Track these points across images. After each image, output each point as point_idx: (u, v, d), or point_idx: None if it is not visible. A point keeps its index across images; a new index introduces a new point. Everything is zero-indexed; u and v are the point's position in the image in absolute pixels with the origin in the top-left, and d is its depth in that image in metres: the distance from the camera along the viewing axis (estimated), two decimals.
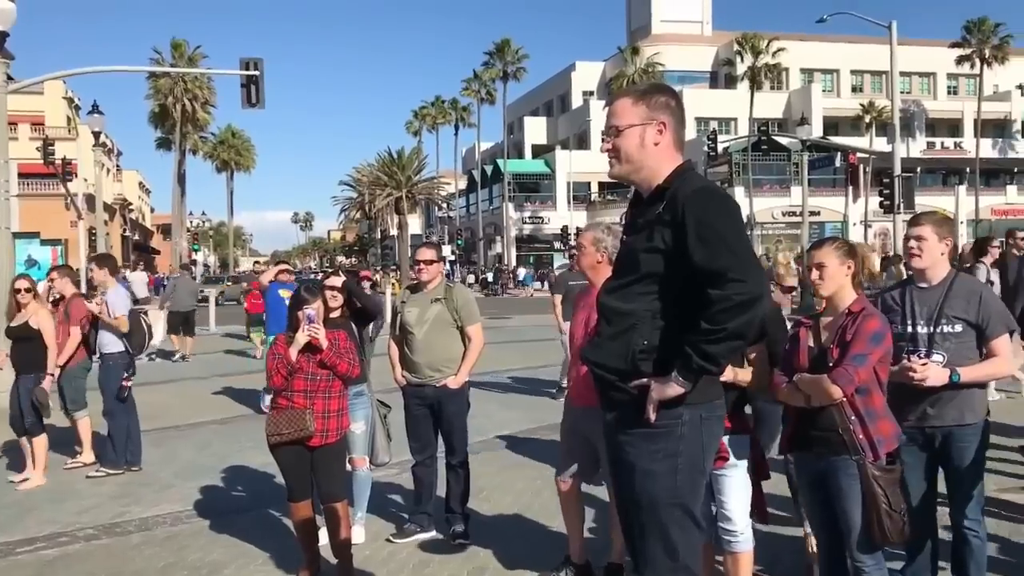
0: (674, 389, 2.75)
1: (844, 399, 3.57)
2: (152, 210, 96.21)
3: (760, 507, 4.23)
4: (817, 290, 3.79)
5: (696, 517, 2.89)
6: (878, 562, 3.65)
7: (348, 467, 5.60)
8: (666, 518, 2.84)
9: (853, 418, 3.59)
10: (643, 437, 2.84)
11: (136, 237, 69.97)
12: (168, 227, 69.55)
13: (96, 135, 30.54)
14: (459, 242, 63.53)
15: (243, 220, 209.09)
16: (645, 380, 2.80)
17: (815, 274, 3.76)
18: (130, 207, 71.66)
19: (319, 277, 7.24)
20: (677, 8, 69.27)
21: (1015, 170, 62.87)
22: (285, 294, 9.16)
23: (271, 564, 5.46)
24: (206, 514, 6.59)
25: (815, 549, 4.36)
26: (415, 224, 72.15)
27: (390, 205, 59.71)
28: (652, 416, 2.78)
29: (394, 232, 64.20)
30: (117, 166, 72.86)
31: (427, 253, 5.85)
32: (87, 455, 8.30)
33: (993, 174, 62.23)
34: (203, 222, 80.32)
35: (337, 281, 5.81)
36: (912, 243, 4.08)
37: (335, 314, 5.62)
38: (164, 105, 58.87)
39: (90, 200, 35.23)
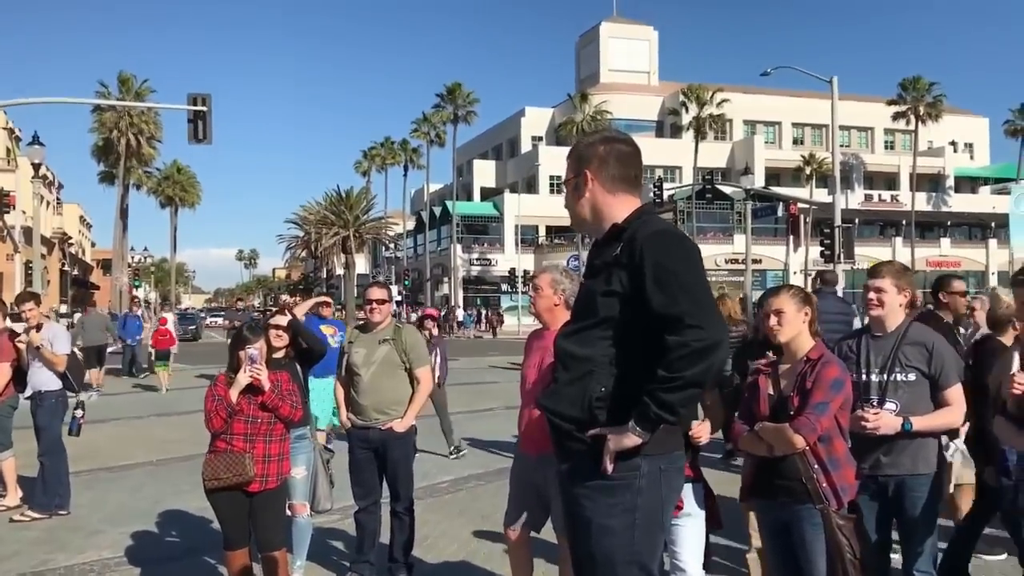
0: (631, 439, 2.64)
1: (807, 447, 3.54)
2: (93, 244, 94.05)
3: (713, 515, 4.14)
4: (775, 336, 3.78)
5: (654, 575, 2.78)
6: None
7: (288, 513, 5.40)
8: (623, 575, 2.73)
9: (816, 466, 3.56)
10: (599, 490, 2.73)
11: (75, 272, 68.23)
12: (109, 262, 67.91)
13: (36, 167, 29.81)
14: (406, 282, 63.23)
15: (186, 256, 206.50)
16: (601, 429, 2.71)
17: (773, 320, 3.76)
18: (70, 241, 69.93)
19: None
20: (625, 58, 70.89)
21: (948, 223, 64.97)
22: (328, 331, 8.28)
23: None
24: (137, 562, 6.29)
25: None
26: (362, 264, 71.70)
27: (337, 244, 59.31)
28: (609, 467, 2.67)
29: (340, 271, 63.67)
30: (58, 199, 71.14)
31: (378, 293, 5.73)
32: (11, 498, 7.91)
33: (928, 227, 64.23)
34: (145, 258, 78.42)
35: (282, 320, 5.64)
36: (871, 294, 4.13)
37: (279, 354, 5.44)
38: (108, 139, 57.79)
39: (28, 233, 34.35)
